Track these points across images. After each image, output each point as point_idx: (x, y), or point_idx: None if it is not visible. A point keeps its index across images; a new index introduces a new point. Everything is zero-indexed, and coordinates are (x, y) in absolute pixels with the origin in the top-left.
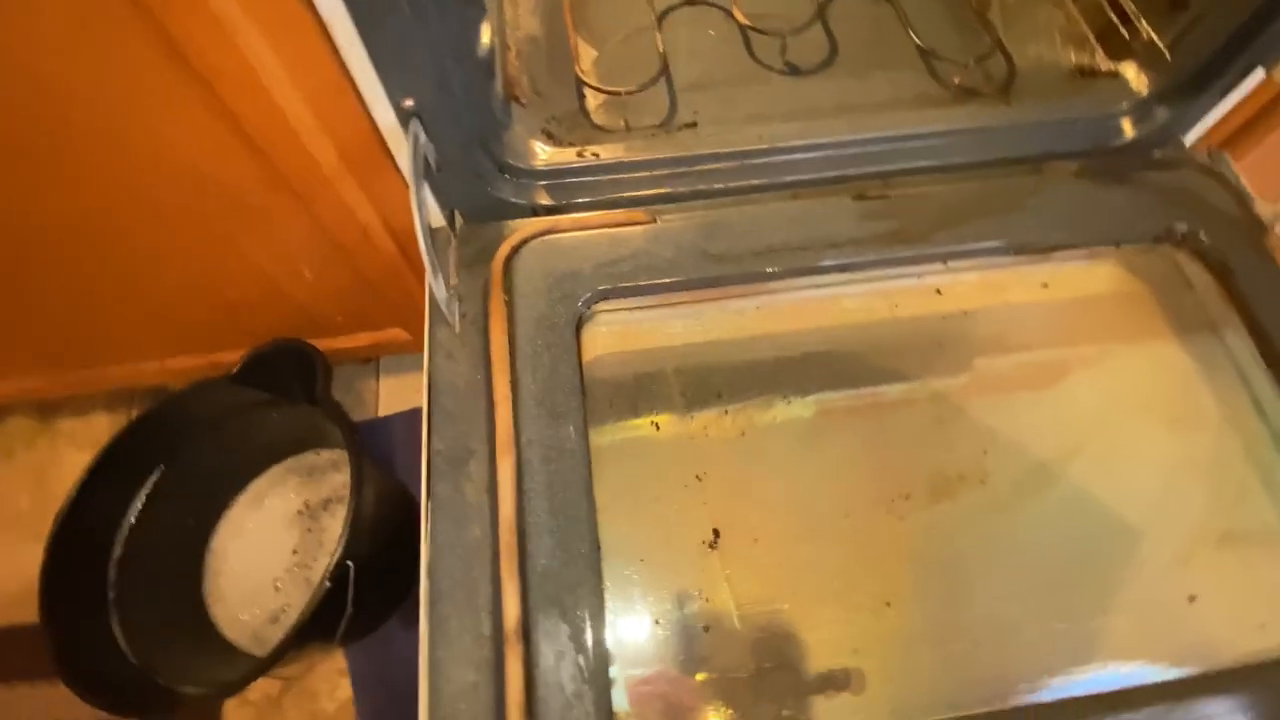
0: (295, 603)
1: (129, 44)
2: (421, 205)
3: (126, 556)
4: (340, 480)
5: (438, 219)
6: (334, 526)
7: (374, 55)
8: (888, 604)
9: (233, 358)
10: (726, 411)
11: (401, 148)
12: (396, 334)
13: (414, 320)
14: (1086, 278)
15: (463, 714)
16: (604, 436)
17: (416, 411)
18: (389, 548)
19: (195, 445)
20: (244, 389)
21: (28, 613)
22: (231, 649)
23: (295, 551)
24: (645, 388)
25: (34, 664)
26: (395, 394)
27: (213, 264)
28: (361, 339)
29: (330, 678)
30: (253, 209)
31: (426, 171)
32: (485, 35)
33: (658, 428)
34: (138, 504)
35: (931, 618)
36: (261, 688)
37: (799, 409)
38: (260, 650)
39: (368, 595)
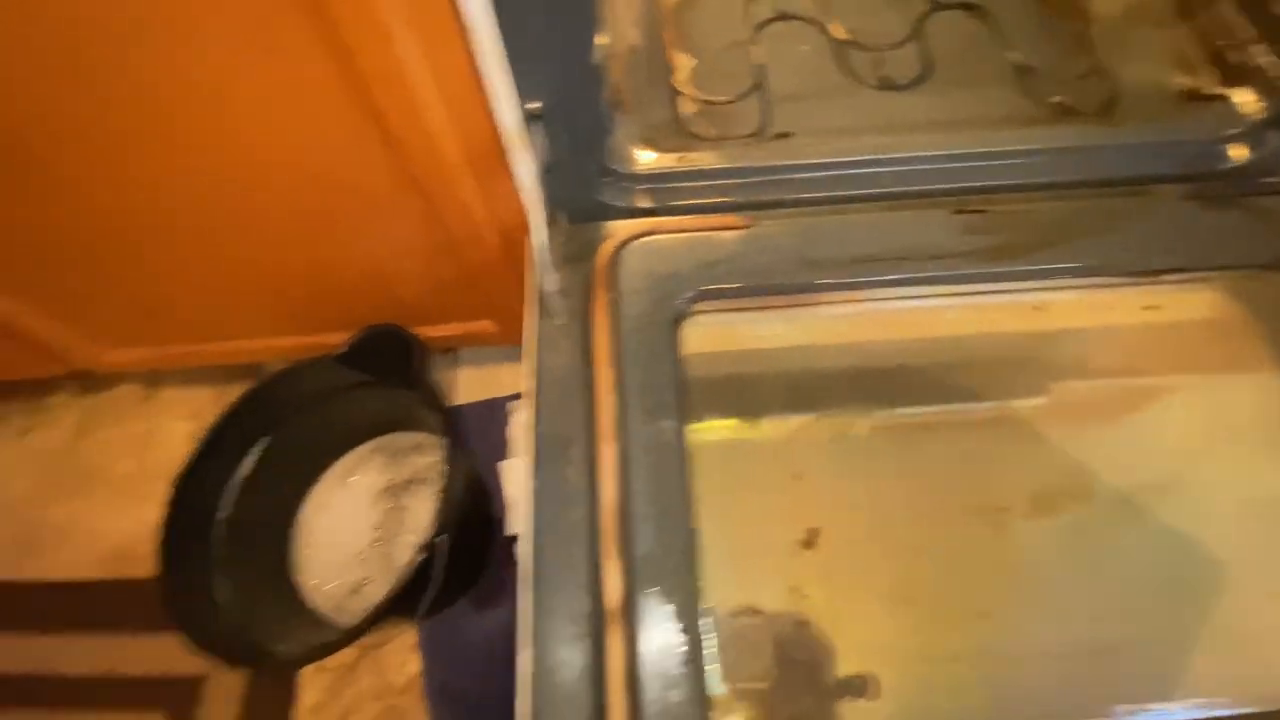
0: (376, 576)
1: (298, 44)
2: (539, 205)
3: (231, 519)
4: (423, 463)
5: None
6: (415, 506)
7: (511, 60)
8: (982, 616)
9: (331, 339)
10: (822, 417)
11: (518, 150)
12: (484, 326)
13: (503, 314)
14: (1192, 302)
15: (563, 685)
16: (701, 432)
17: (490, 403)
18: (467, 530)
19: (298, 419)
20: (347, 370)
21: (126, 568)
22: (315, 616)
23: (377, 528)
24: (742, 389)
25: (129, 615)
26: (472, 384)
27: (331, 252)
28: (451, 329)
29: (401, 652)
30: (378, 204)
31: (542, 164)
32: (600, 44)
33: (754, 428)
34: (244, 470)
35: (1027, 633)
36: (338, 656)
37: (896, 419)
38: (341, 619)
39: (447, 574)
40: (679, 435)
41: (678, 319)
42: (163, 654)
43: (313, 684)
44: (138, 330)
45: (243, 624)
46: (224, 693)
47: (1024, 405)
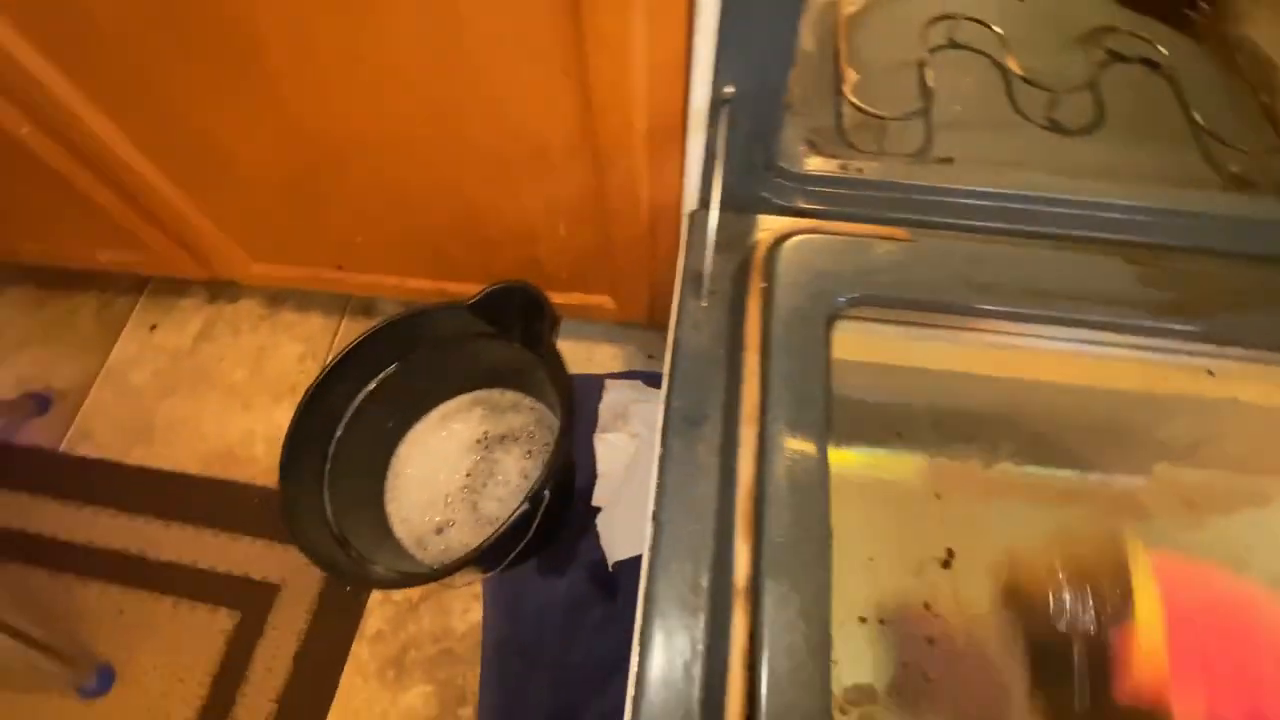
0: (459, 520)
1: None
2: (717, 184)
3: (343, 439)
4: (518, 422)
5: (694, 204)
6: (505, 461)
7: (722, 43)
8: None
9: (458, 289)
10: (962, 457)
11: (698, 130)
12: (603, 301)
13: (624, 292)
14: None
15: (676, 650)
16: (845, 436)
17: (585, 378)
18: (553, 494)
19: (419, 356)
20: (474, 318)
21: (224, 469)
22: (399, 547)
23: (468, 475)
24: (890, 406)
25: (220, 514)
26: (569, 357)
27: (490, 204)
28: (572, 298)
29: (465, 600)
30: (553, 161)
31: (724, 144)
32: (799, 40)
33: (893, 452)
34: (362, 396)
35: None
36: (405, 591)
37: (1040, 478)
38: (420, 553)
39: (533, 532)
40: (823, 429)
41: (832, 318)
42: (245, 557)
43: (378, 614)
44: (287, 249)
45: (343, 539)
46: (295, 605)
47: (1182, 480)
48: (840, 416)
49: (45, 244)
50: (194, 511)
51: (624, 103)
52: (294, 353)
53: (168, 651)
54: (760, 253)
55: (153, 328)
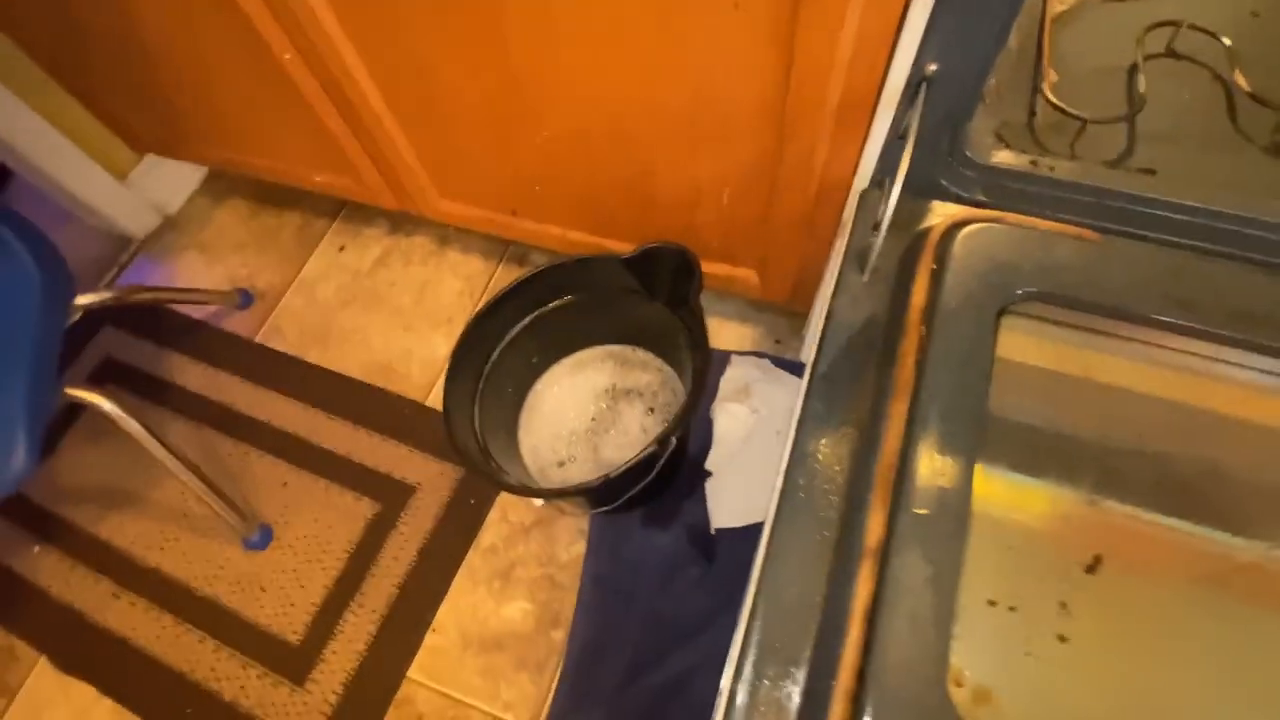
0: (579, 458)
1: None
2: (904, 163)
3: (495, 364)
4: (645, 380)
5: (866, 183)
6: (628, 413)
7: (937, 13)
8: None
9: (616, 245)
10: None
11: (888, 109)
12: (748, 275)
13: (773, 269)
14: None
15: (791, 595)
16: (996, 437)
17: (712, 352)
18: (673, 451)
19: (570, 301)
20: (627, 273)
21: (383, 379)
22: (525, 470)
23: (593, 419)
24: (1052, 428)
25: (376, 416)
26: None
27: (665, 164)
28: (719, 269)
29: (572, 534)
30: (734, 129)
31: (918, 124)
32: (1013, 27)
33: (1055, 469)
34: (517, 329)
35: None
36: (521, 513)
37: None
38: (541, 481)
39: (653, 477)
40: (978, 414)
41: (1002, 310)
42: (391, 458)
43: (494, 530)
44: (474, 189)
45: (485, 448)
46: (427, 507)
47: None
48: (996, 426)
49: (275, 160)
50: (354, 411)
51: (822, 75)
52: (454, 288)
53: (317, 525)
54: (934, 237)
55: (341, 249)
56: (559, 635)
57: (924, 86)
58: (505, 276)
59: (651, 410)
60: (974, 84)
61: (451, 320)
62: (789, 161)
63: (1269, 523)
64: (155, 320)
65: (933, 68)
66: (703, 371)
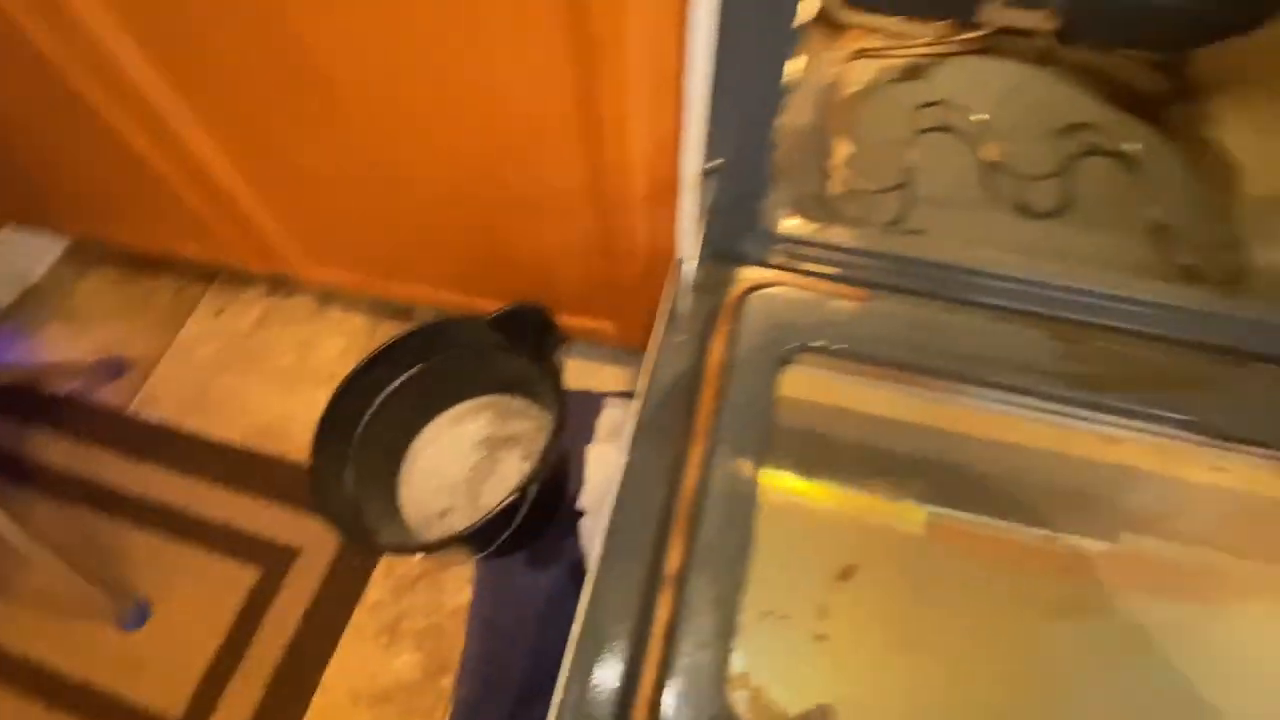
0: (460, 508)
1: (563, 94)
2: (697, 241)
3: (369, 424)
4: (522, 428)
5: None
6: (507, 460)
7: (711, 124)
8: (987, 689)
9: (482, 303)
10: (881, 496)
11: (690, 193)
12: (606, 326)
13: (625, 320)
14: (1264, 479)
15: (611, 623)
16: (774, 474)
17: (589, 396)
18: (544, 493)
19: (442, 360)
20: (492, 332)
21: (265, 443)
22: (406, 526)
23: (473, 468)
24: (821, 443)
25: (256, 481)
26: (576, 374)
27: (515, 238)
28: (580, 320)
29: (458, 582)
30: (567, 208)
31: (707, 210)
32: (790, 118)
33: (819, 486)
34: (389, 390)
35: None
36: (407, 566)
37: (952, 520)
38: (424, 532)
39: (521, 524)
40: (759, 451)
41: (783, 361)
42: (273, 522)
43: (379, 585)
44: (344, 256)
45: (358, 508)
46: (310, 569)
47: (1070, 544)
48: (778, 452)
49: (138, 232)
50: (234, 477)
51: (626, 169)
52: (337, 346)
53: (197, 596)
54: (731, 301)
55: (219, 312)
56: (447, 682)
57: (712, 176)
58: (389, 332)
59: (528, 456)
60: (754, 172)
61: (334, 378)
62: (615, 236)
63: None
64: (18, 397)
65: (716, 162)
66: (560, 421)
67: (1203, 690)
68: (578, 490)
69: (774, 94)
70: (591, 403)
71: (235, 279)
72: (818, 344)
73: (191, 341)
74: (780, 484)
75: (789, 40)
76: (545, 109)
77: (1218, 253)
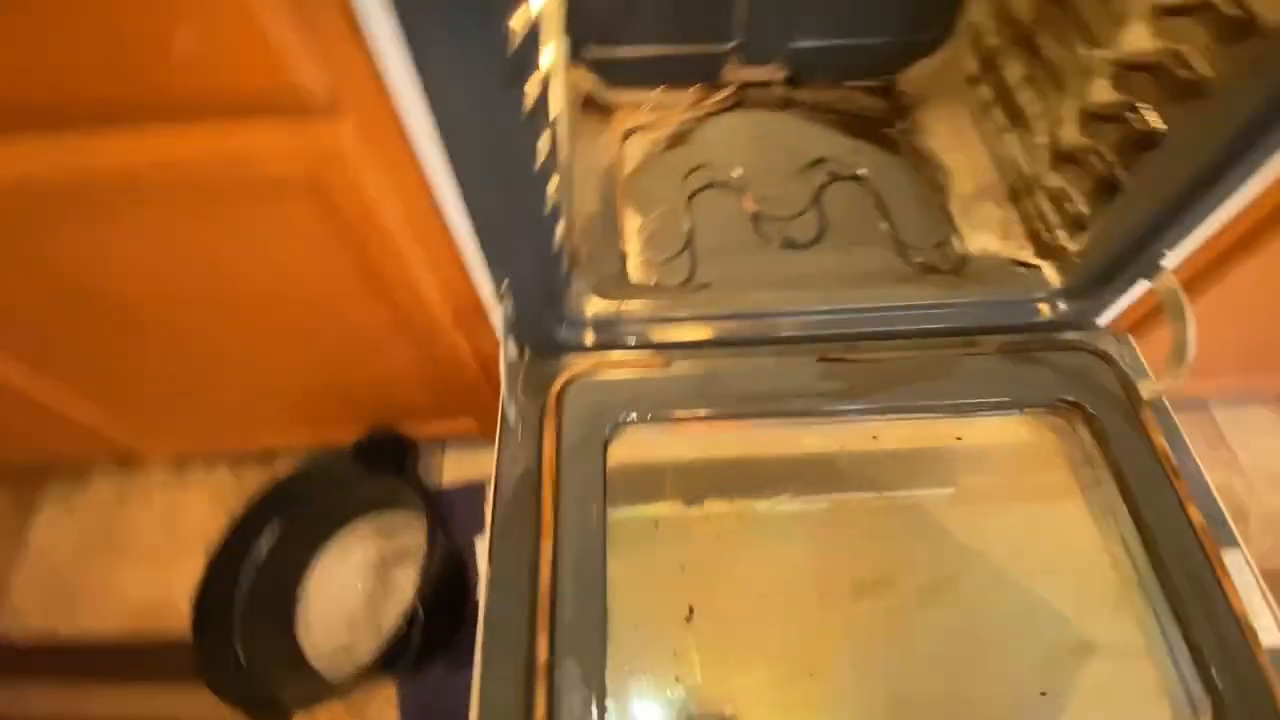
0: (364, 639)
1: (343, 265)
2: (508, 355)
3: (250, 588)
4: (411, 541)
5: (514, 351)
6: (401, 577)
7: (488, 257)
8: (811, 675)
9: (338, 435)
10: (706, 508)
11: (495, 311)
12: (467, 423)
13: (482, 415)
14: (997, 431)
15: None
16: (619, 525)
17: (472, 487)
18: (444, 598)
19: (308, 504)
20: (352, 462)
21: (152, 626)
22: (313, 671)
23: (368, 596)
24: (651, 486)
25: (151, 667)
26: (457, 468)
27: (346, 378)
28: (439, 426)
29: (383, 707)
30: (387, 347)
31: (509, 323)
32: (559, 234)
33: (657, 525)
34: (262, 547)
35: (846, 693)
36: (326, 713)
37: (762, 508)
38: (334, 674)
39: (425, 637)
40: (600, 533)
41: (606, 441)
42: (171, 703)
43: None
44: (183, 426)
45: (258, 677)
46: None
47: (861, 498)
48: (615, 504)
49: None
50: (119, 670)
51: (425, 306)
52: (204, 509)
53: None
54: (553, 395)
55: (68, 507)
56: None
57: (506, 293)
58: (257, 479)
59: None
60: (548, 277)
61: (209, 538)
62: (439, 357)
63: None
64: None
65: (505, 283)
66: (432, 532)
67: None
68: (477, 583)
69: (536, 207)
70: (477, 493)
71: (73, 463)
72: (632, 418)
73: (45, 545)
74: (621, 551)
75: (526, 170)
76: (334, 286)
77: (943, 248)
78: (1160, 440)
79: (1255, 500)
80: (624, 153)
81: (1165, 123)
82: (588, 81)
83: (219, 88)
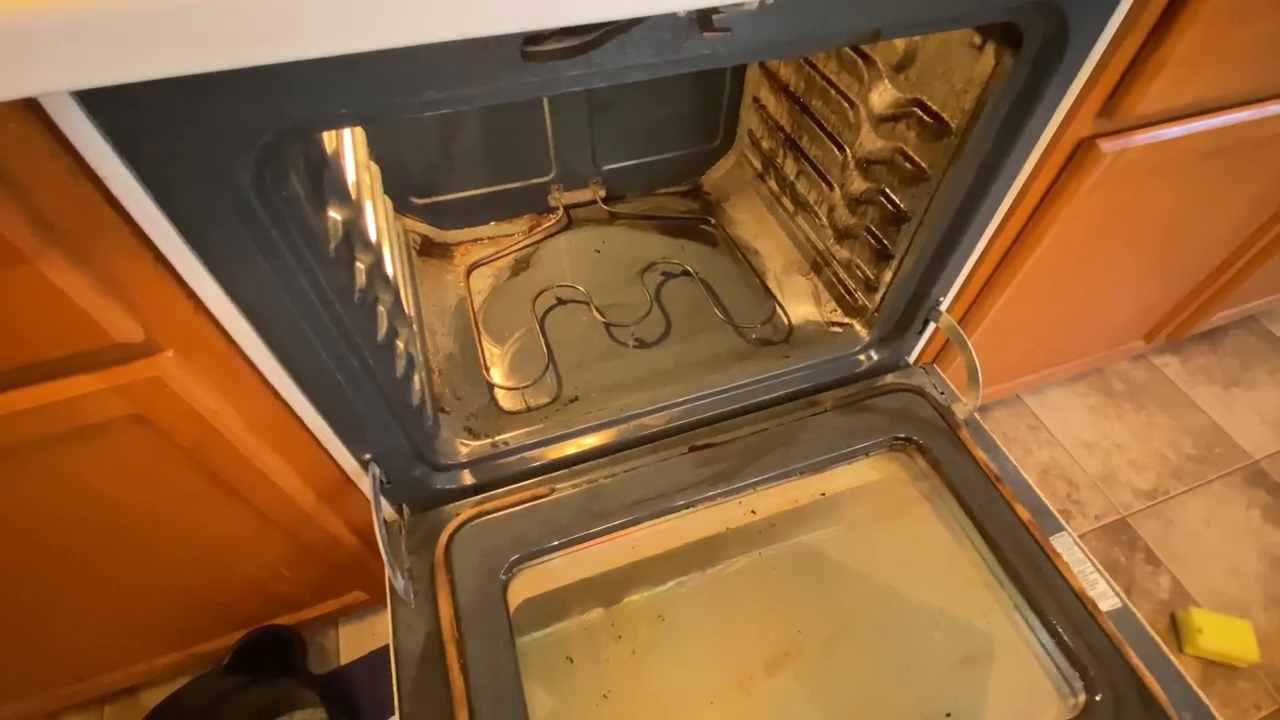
0: None
1: (187, 482)
2: (381, 524)
3: None
4: None
5: (392, 513)
6: None
7: (342, 437)
8: None
9: (211, 645)
10: (616, 623)
11: (363, 481)
12: (357, 595)
13: (371, 584)
14: (851, 477)
15: None
16: (533, 655)
17: (374, 655)
18: None
19: None
20: (230, 676)
21: None
22: None
23: None
24: (556, 611)
25: None
26: (354, 640)
27: (214, 587)
28: (327, 606)
29: None
30: (254, 545)
31: (381, 487)
32: (418, 386)
33: (571, 661)
34: None
35: None
36: None
37: (664, 604)
38: None
39: None
40: (514, 683)
41: (504, 586)
42: None
43: None
44: (19, 684)
45: None
46: None
47: (751, 558)
48: (522, 633)
49: None
50: None
51: (286, 497)
52: None
53: None
54: (440, 552)
55: None
56: None
57: (369, 464)
58: (117, 717)
59: None
60: (411, 435)
61: None
62: (312, 540)
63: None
64: None
65: (367, 456)
66: None
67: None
68: None
69: (386, 373)
70: (381, 659)
71: None
72: (523, 554)
73: None
74: (540, 690)
75: (368, 344)
76: (181, 504)
77: (771, 321)
78: (979, 454)
79: (1078, 468)
80: (471, 287)
81: (905, 202)
82: (421, 227)
83: (30, 361)
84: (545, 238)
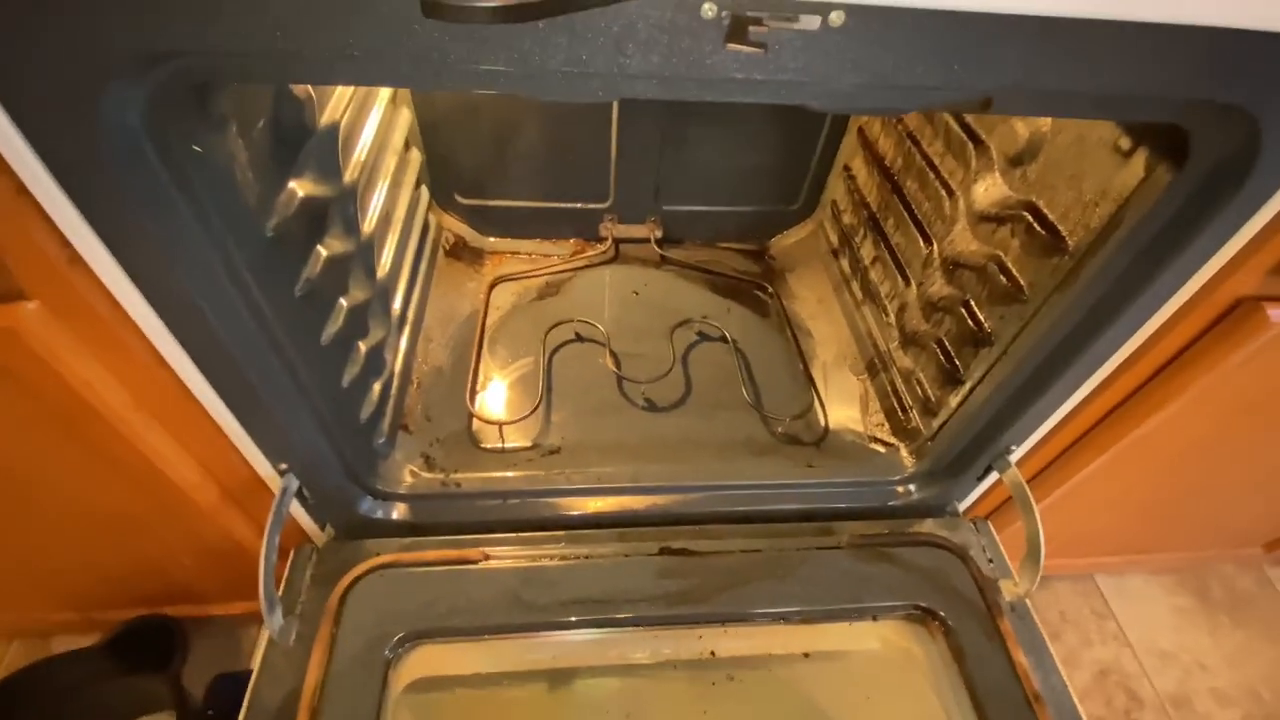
0: None
1: (58, 447)
2: (270, 546)
3: None
4: None
5: (316, 530)
6: None
7: (256, 443)
8: None
9: (108, 616)
10: None
11: (275, 486)
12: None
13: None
14: (846, 639)
15: None
16: None
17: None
18: None
19: (56, 710)
20: (109, 657)
21: None
22: None
23: None
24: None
25: None
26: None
27: (107, 557)
28: (236, 607)
29: None
30: (146, 529)
31: (300, 500)
32: (366, 410)
33: None
34: None
35: None
36: None
37: None
38: None
39: None
40: None
41: (387, 665)
42: None
43: None
44: None
45: None
46: None
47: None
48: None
49: None
50: None
51: (179, 489)
52: None
53: None
54: (335, 598)
55: None
56: None
57: (286, 475)
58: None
59: None
60: (348, 451)
61: None
62: (212, 538)
63: None
64: None
65: (283, 466)
66: None
67: None
68: None
69: (328, 381)
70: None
71: None
72: (426, 628)
73: None
74: None
75: (306, 346)
76: (53, 468)
77: (805, 417)
78: (1019, 657)
79: (1146, 682)
80: (491, 301)
81: (990, 322)
82: (459, 227)
83: None
84: (585, 266)
